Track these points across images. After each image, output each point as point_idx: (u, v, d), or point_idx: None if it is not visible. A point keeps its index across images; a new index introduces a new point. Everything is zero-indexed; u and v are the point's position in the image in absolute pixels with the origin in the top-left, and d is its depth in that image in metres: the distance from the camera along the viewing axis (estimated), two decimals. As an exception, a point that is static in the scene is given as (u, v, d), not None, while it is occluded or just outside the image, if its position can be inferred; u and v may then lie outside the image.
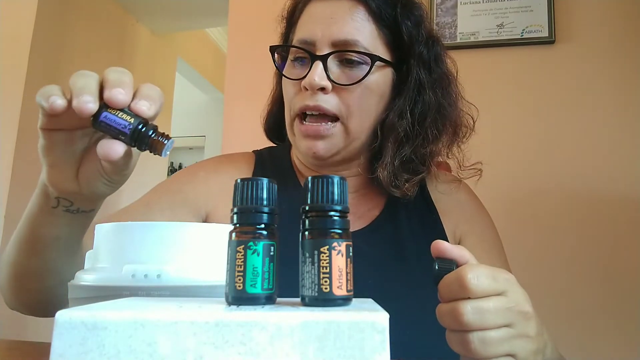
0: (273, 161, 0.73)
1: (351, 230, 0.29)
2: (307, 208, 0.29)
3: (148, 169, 3.09)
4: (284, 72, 0.65)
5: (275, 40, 0.75)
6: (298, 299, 0.29)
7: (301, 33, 0.63)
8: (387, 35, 0.62)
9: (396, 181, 0.62)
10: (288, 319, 0.23)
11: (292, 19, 0.69)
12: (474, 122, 0.68)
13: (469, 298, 0.36)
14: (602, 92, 1.35)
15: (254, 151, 0.76)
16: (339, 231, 0.28)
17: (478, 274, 0.36)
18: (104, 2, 2.60)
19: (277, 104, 0.74)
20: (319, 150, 0.61)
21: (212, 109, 4.59)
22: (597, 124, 1.34)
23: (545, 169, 1.35)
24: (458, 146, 0.67)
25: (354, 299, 0.28)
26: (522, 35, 1.41)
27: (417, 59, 0.63)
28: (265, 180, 0.29)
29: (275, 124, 0.76)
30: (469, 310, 0.35)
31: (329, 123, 0.60)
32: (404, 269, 0.63)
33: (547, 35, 1.39)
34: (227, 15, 1.73)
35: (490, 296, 0.36)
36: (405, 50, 0.63)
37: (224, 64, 1.78)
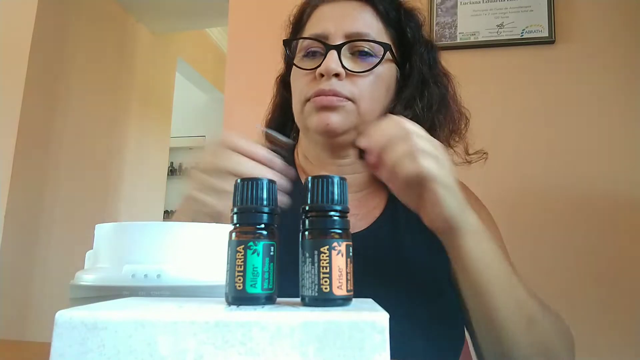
0: None
1: (354, 231, 0.30)
2: (307, 208, 0.29)
3: (147, 168, 3.09)
4: (296, 65, 0.67)
5: (276, 41, 0.75)
6: (298, 299, 0.29)
7: (314, 29, 0.66)
8: (392, 34, 0.67)
9: None
10: (288, 319, 0.23)
11: (299, 24, 0.71)
12: (468, 119, 0.72)
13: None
14: (602, 92, 1.35)
15: None
16: (339, 231, 0.28)
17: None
18: (104, 2, 2.60)
19: (279, 109, 0.77)
20: (332, 122, 0.62)
21: (212, 109, 4.59)
22: (597, 124, 1.34)
23: (545, 169, 1.35)
24: (461, 134, 0.70)
25: (354, 299, 0.28)
26: (522, 35, 1.41)
27: (419, 57, 0.67)
28: (265, 180, 0.29)
29: (276, 128, 0.77)
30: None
31: (342, 99, 0.62)
32: (402, 268, 0.63)
33: (547, 35, 1.39)
34: (227, 15, 1.73)
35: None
36: (408, 49, 0.67)
37: (224, 64, 1.78)
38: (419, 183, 0.47)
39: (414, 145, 0.47)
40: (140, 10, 2.81)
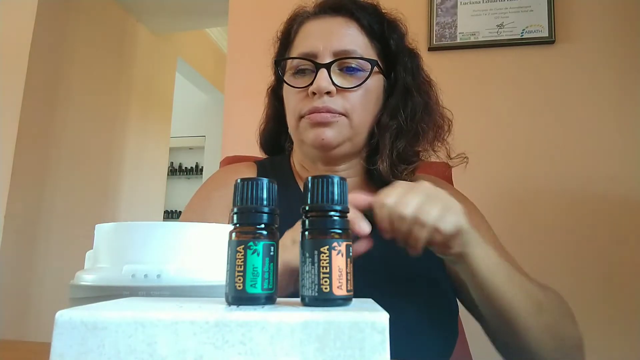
0: (274, 168, 0.76)
1: None
2: (307, 208, 0.29)
3: (147, 168, 3.09)
4: (288, 84, 0.70)
5: (274, 42, 0.76)
6: (298, 299, 0.29)
7: (302, 47, 0.68)
8: (377, 46, 0.69)
9: (395, 171, 0.68)
10: (288, 319, 0.23)
11: (287, 40, 0.74)
12: (451, 122, 0.73)
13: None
14: (602, 92, 1.35)
15: (255, 161, 0.79)
16: (339, 231, 0.28)
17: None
18: (104, 2, 2.60)
19: (272, 120, 0.79)
20: (327, 137, 0.65)
21: (212, 109, 4.59)
22: (597, 123, 1.34)
23: (545, 169, 1.35)
24: (443, 139, 0.72)
25: (354, 299, 0.28)
26: (522, 35, 1.41)
27: (403, 67, 0.70)
28: (265, 180, 0.29)
29: (271, 138, 0.81)
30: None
31: (336, 114, 0.65)
32: (398, 268, 0.63)
33: (547, 35, 1.39)
34: (227, 15, 1.73)
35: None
36: (392, 60, 0.70)
37: (224, 64, 1.78)
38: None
39: (415, 227, 0.48)
40: (140, 10, 2.81)
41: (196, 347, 0.23)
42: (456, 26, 1.46)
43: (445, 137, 0.72)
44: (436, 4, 1.49)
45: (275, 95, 0.78)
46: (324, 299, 0.27)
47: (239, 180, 0.29)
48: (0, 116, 2.01)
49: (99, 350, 0.23)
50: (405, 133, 0.68)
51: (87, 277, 0.35)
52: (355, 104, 0.65)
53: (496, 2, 1.45)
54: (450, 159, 0.73)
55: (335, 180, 0.29)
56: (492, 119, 1.40)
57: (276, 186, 0.30)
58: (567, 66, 1.38)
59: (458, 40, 1.45)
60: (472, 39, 1.44)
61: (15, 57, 2.04)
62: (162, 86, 3.25)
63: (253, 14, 1.69)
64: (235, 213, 0.29)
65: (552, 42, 1.39)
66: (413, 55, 0.73)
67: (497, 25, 1.44)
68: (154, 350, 0.23)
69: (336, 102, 0.64)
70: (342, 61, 0.65)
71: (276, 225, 0.29)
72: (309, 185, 0.29)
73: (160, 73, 3.19)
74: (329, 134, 0.65)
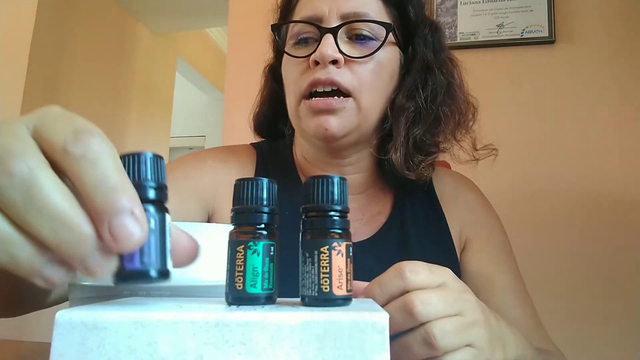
0: (274, 156, 0.68)
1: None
2: (307, 208, 0.29)
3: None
4: (287, 53, 0.60)
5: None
6: (298, 299, 0.29)
7: (305, 11, 0.58)
8: (393, 13, 0.59)
9: (410, 163, 0.58)
10: (288, 319, 0.23)
11: (287, 7, 0.64)
12: (475, 110, 0.65)
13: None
14: (602, 92, 1.35)
15: (252, 145, 0.71)
16: (339, 231, 0.28)
17: (415, 267, 0.34)
18: (104, 2, 2.60)
19: (267, 103, 0.70)
20: (331, 127, 0.55)
21: (212, 109, 4.59)
22: (597, 124, 1.34)
23: (545, 170, 1.35)
24: (468, 127, 0.63)
25: (353, 299, 0.28)
26: (522, 35, 1.41)
27: (423, 40, 0.61)
28: (265, 180, 0.29)
29: (265, 122, 0.71)
30: (418, 301, 0.32)
31: (342, 97, 0.55)
32: None
33: (547, 35, 1.39)
34: (227, 15, 1.73)
35: (433, 287, 0.34)
36: (410, 31, 0.60)
37: (224, 64, 1.78)
38: None
39: (429, 333, 0.32)
40: (140, 10, 2.81)
41: (196, 347, 0.23)
42: (456, 26, 1.46)
43: (470, 124, 0.62)
44: (436, 4, 1.49)
45: (274, 75, 0.67)
46: (324, 299, 0.27)
47: (238, 180, 0.29)
48: (0, 116, 2.01)
49: (99, 350, 0.23)
50: (424, 117, 0.58)
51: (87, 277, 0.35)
52: (365, 80, 0.55)
53: (496, 2, 1.45)
54: (476, 150, 0.64)
55: (335, 180, 0.29)
56: (491, 119, 1.40)
57: (276, 185, 0.30)
58: (567, 66, 1.38)
59: (458, 40, 1.45)
60: (472, 39, 1.44)
61: (15, 57, 2.04)
62: (162, 86, 3.25)
63: (253, 14, 1.68)
64: (235, 213, 0.29)
65: (552, 42, 1.39)
66: (435, 28, 0.62)
67: (497, 25, 1.44)
68: (154, 350, 0.23)
69: (343, 76, 0.54)
70: (351, 26, 0.55)
71: (276, 225, 0.29)
72: (309, 185, 0.29)
73: (160, 73, 3.19)
74: (334, 123, 0.55)
